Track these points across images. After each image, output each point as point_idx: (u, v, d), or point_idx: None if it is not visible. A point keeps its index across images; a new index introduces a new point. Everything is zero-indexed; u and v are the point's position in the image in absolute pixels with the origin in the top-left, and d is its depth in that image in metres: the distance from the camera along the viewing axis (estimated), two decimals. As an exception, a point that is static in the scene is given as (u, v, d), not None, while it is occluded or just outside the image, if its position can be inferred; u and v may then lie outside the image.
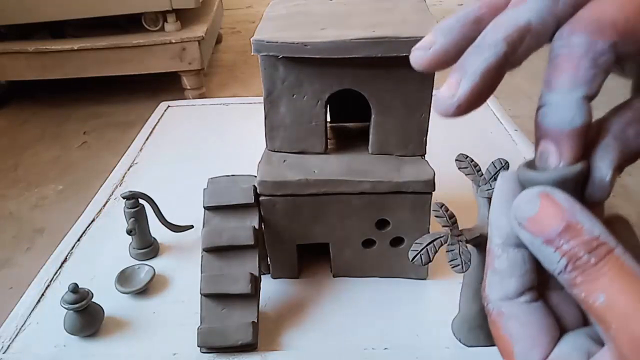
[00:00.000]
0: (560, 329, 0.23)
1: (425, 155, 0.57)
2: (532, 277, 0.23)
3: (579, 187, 0.21)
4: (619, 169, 0.22)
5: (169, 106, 1.05)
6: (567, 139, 0.20)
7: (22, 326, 0.56)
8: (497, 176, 0.49)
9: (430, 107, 0.54)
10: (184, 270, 0.63)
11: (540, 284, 0.24)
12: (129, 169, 0.84)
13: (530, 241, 0.21)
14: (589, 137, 0.21)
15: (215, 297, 0.52)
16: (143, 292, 0.59)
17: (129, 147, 0.91)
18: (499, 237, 0.23)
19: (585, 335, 0.22)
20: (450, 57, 0.23)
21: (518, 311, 0.22)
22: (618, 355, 0.18)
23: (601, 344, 0.21)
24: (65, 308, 0.52)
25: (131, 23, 1.64)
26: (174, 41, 1.60)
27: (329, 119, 0.58)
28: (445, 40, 0.23)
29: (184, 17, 1.68)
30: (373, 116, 0.55)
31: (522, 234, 0.21)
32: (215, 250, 0.54)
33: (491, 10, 0.23)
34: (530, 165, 0.22)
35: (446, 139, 0.74)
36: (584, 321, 0.23)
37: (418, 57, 0.23)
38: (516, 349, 0.22)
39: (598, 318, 0.19)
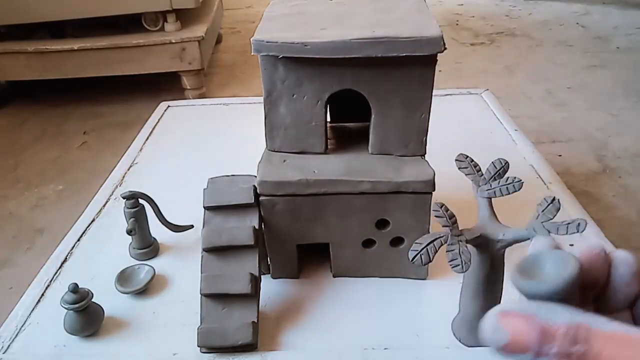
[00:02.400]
0: None
1: (425, 155, 0.57)
2: None
3: (576, 286, 0.21)
4: None
5: (169, 106, 1.05)
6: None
7: (22, 326, 0.56)
8: (497, 176, 0.49)
9: (430, 107, 0.54)
10: (184, 270, 0.63)
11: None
12: (129, 169, 0.84)
13: None
14: None
15: (215, 297, 0.52)
16: (143, 292, 0.59)
17: (129, 147, 0.91)
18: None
19: None
20: None
21: None
22: None
23: None
24: (65, 308, 0.52)
25: (131, 23, 1.64)
26: (174, 41, 1.60)
27: (329, 119, 0.58)
28: None
29: (184, 17, 1.68)
30: (373, 116, 0.55)
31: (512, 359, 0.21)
32: (215, 250, 0.54)
33: None
34: (523, 270, 0.22)
35: (446, 139, 0.74)
36: None
37: None
38: None
39: None
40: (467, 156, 0.50)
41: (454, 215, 0.46)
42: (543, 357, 0.20)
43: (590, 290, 0.23)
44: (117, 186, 0.80)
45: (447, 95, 1.02)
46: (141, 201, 0.63)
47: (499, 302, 0.49)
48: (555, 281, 0.20)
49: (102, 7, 1.55)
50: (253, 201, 0.54)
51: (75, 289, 0.52)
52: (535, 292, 0.20)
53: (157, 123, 0.99)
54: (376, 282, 0.60)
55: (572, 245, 0.63)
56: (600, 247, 0.23)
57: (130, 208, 0.62)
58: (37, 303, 0.59)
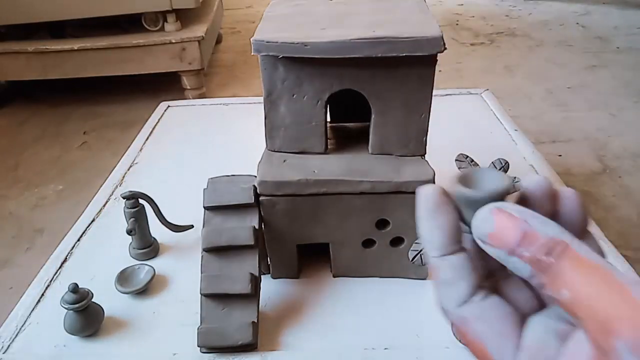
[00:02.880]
0: (520, 314, 0.24)
1: (425, 155, 0.57)
2: (478, 275, 0.24)
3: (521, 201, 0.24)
4: None
5: (169, 106, 1.05)
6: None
7: (22, 326, 0.56)
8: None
9: (430, 107, 0.54)
10: (184, 270, 0.63)
11: (489, 278, 0.25)
12: (129, 169, 0.84)
13: (496, 254, 0.22)
14: None
15: (215, 297, 0.52)
16: (143, 292, 0.59)
17: (129, 147, 0.91)
18: (435, 250, 0.24)
19: (549, 317, 0.23)
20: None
21: (478, 311, 0.23)
22: (591, 339, 0.19)
23: (566, 322, 0.22)
24: (65, 308, 0.52)
25: (131, 23, 1.64)
26: (174, 41, 1.60)
27: (329, 119, 0.58)
28: None
29: (184, 17, 1.68)
30: (373, 116, 0.55)
31: (487, 249, 0.22)
32: (215, 250, 0.54)
33: None
34: (464, 180, 0.24)
35: (446, 139, 0.74)
36: (538, 302, 0.24)
37: None
38: (489, 347, 0.23)
39: (568, 311, 0.20)
40: (467, 156, 0.50)
41: (454, 215, 0.46)
42: (516, 255, 0.21)
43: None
44: (117, 186, 0.79)
45: (447, 95, 1.02)
46: (141, 201, 0.63)
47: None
48: (489, 191, 0.23)
49: (102, 7, 1.55)
50: (253, 201, 0.54)
51: (75, 289, 0.52)
52: (470, 198, 0.23)
53: (157, 123, 0.99)
54: (376, 282, 0.60)
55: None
56: (546, 181, 0.25)
57: (130, 208, 0.62)
58: (37, 303, 0.59)
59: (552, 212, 0.24)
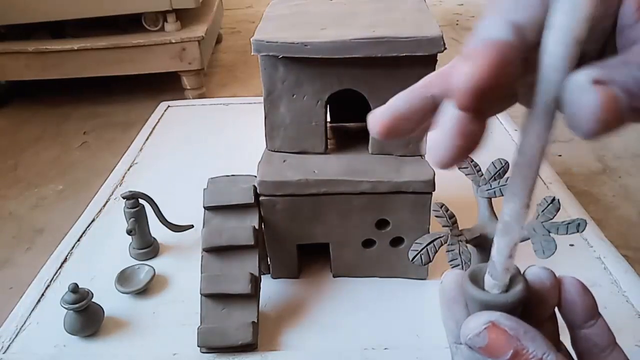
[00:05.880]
0: None
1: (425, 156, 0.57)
2: None
3: (521, 307, 0.23)
4: None
5: (169, 106, 1.05)
6: (482, 49, 0.18)
7: (22, 326, 0.56)
8: (497, 176, 0.49)
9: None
10: (184, 270, 0.63)
11: None
12: (129, 169, 0.84)
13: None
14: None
15: (215, 297, 0.52)
16: (143, 292, 0.59)
17: (129, 147, 0.91)
18: (450, 337, 0.25)
19: None
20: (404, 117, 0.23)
21: None
22: None
23: None
24: (65, 308, 0.52)
25: (131, 23, 1.64)
26: (174, 41, 1.60)
27: (329, 119, 0.58)
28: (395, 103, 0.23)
29: (184, 17, 1.68)
30: (373, 116, 0.55)
31: (476, 354, 0.23)
32: (215, 250, 0.54)
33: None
34: (475, 276, 0.24)
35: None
36: None
37: (373, 121, 0.23)
38: None
39: None
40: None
41: (454, 215, 0.46)
42: None
43: (542, 310, 0.25)
44: (117, 186, 0.79)
45: (447, 95, 1.02)
46: (141, 201, 0.63)
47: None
48: (503, 297, 0.23)
49: (102, 7, 1.55)
50: (253, 201, 0.54)
51: (75, 289, 0.52)
52: (483, 302, 0.23)
53: (157, 123, 0.99)
54: (376, 282, 0.60)
55: (572, 245, 0.63)
56: (548, 273, 0.25)
57: (130, 208, 0.62)
58: (37, 303, 0.59)
59: (557, 301, 0.25)
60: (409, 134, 0.23)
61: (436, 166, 0.20)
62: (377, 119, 0.23)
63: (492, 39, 0.18)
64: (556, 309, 0.26)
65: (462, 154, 0.19)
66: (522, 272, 0.24)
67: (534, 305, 0.24)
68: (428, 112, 0.22)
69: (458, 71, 0.17)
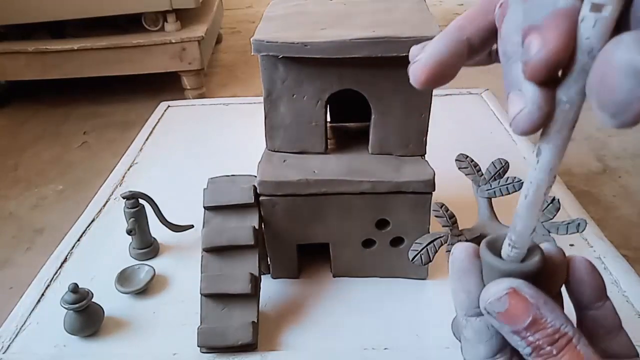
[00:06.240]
0: None
1: (425, 155, 0.57)
2: (500, 340, 0.24)
3: (538, 275, 0.23)
4: None
5: (169, 106, 1.05)
6: (552, 20, 0.18)
7: (22, 326, 0.56)
8: (497, 176, 0.49)
9: (430, 107, 0.54)
10: (184, 270, 0.63)
11: None
12: (129, 169, 0.84)
13: (499, 327, 0.23)
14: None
15: (215, 297, 0.52)
16: (143, 292, 0.59)
17: (129, 147, 0.91)
18: (461, 309, 0.25)
19: None
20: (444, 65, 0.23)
21: None
22: None
23: None
24: (65, 308, 0.52)
25: (131, 23, 1.64)
26: (174, 41, 1.60)
27: (329, 119, 0.58)
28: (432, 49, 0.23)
29: (184, 17, 1.68)
30: (373, 116, 0.55)
31: (492, 321, 0.23)
32: (215, 250, 0.54)
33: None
34: (492, 245, 0.24)
35: (446, 139, 0.74)
36: None
37: (413, 70, 0.23)
38: None
39: None
40: (467, 156, 0.50)
41: (454, 215, 0.46)
42: (520, 337, 0.22)
43: (551, 286, 0.25)
44: (117, 186, 0.79)
45: (447, 95, 1.02)
46: (141, 201, 0.63)
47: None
48: (522, 265, 0.23)
49: (102, 7, 1.55)
50: (253, 201, 0.54)
51: (75, 289, 0.52)
52: (502, 270, 0.23)
53: (157, 123, 0.99)
54: (376, 282, 0.60)
55: (572, 245, 0.63)
56: (557, 250, 0.25)
57: (130, 208, 0.62)
58: (37, 303, 0.59)
59: (564, 278, 0.25)
60: (449, 80, 0.23)
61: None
62: (422, 68, 0.23)
63: (560, 7, 0.18)
64: (564, 290, 0.26)
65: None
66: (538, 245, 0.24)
67: (543, 280, 0.24)
68: (464, 55, 0.23)
69: (532, 44, 0.18)
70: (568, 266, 0.25)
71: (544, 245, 0.25)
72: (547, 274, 0.24)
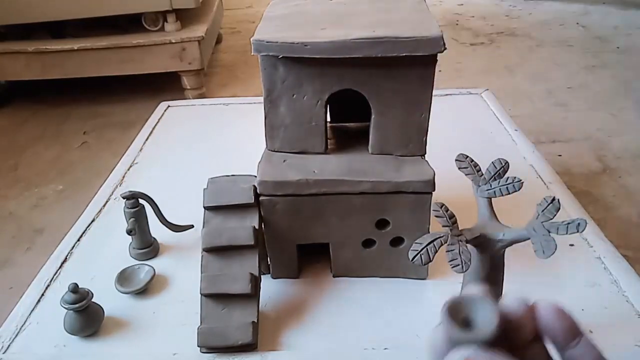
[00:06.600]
0: None
1: (425, 155, 0.57)
2: None
3: (501, 335, 0.24)
4: None
5: (169, 106, 1.05)
6: None
7: (22, 326, 0.56)
8: (497, 176, 0.49)
9: (430, 107, 0.54)
10: (184, 270, 0.63)
11: None
12: (129, 169, 0.84)
13: None
14: None
15: (215, 297, 0.52)
16: (143, 292, 0.59)
17: (129, 147, 0.91)
18: None
19: None
20: None
21: None
22: None
23: None
24: (65, 308, 0.52)
25: (131, 23, 1.64)
26: (174, 41, 1.60)
27: (329, 119, 0.58)
28: None
29: (184, 17, 1.68)
30: (373, 116, 0.55)
31: None
32: (215, 250, 0.54)
33: None
34: (455, 309, 0.24)
35: (446, 139, 0.74)
36: None
37: None
38: None
39: None
40: (467, 156, 0.50)
41: (454, 215, 0.46)
42: None
43: (522, 336, 0.25)
44: (117, 186, 0.79)
45: (447, 95, 1.02)
46: (141, 201, 0.63)
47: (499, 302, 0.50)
48: (481, 332, 0.23)
49: (102, 7, 1.55)
50: (253, 201, 0.54)
51: (75, 289, 0.52)
52: (463, 340, 0.24)
53: (157, 123, 0.99)
54: (376, 282, 0.60)
55: (572, 245, 0.63)
56: (519, 303, 0.26)
57: (130, 208, 0.62)
58: (37, 303, 0.59)
59: (534, 326, 0.25)
60: None
61: None
62: None
63: None
64: None
65: None
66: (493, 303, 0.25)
67: (513, 332, 0.25)
68: None
69: None
70: (534, 314, 0.26)
71: (505, 301, 0.25)
72: (512, 329, 0.25)
